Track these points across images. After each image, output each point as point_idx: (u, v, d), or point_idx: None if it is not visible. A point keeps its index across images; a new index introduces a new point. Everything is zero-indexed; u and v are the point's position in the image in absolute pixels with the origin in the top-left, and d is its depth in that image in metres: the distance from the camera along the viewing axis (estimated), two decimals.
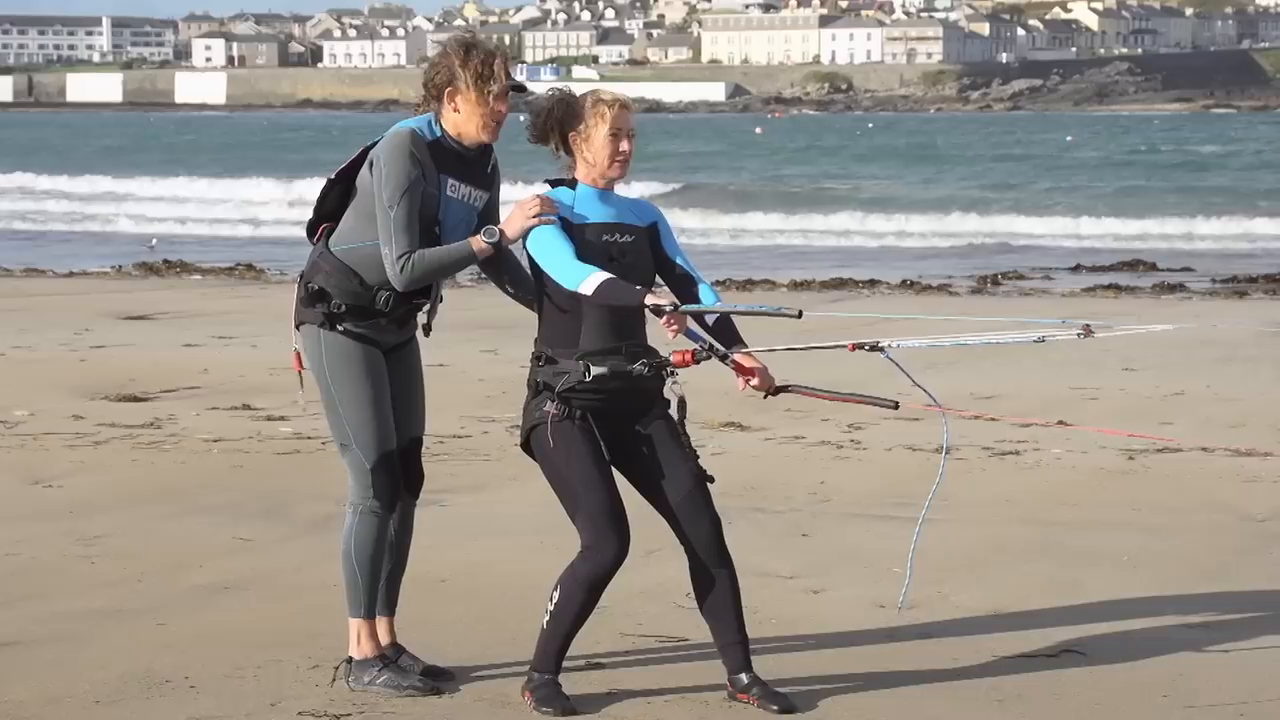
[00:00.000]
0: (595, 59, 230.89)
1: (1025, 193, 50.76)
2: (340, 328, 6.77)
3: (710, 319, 6.69)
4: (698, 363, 6.58)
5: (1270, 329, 19.98)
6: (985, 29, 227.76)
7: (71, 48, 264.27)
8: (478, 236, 6.63)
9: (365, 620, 6.91)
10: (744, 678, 6.69)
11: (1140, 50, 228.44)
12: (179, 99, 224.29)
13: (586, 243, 6.56)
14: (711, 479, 6.71)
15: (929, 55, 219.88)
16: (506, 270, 6.90)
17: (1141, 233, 38.76)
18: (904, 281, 27.50)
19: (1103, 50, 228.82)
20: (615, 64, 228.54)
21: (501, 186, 6.95)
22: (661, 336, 6.62)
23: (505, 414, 13.16)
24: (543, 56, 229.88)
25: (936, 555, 9.11)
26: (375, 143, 6.75)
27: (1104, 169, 67.98)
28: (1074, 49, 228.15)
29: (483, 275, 6.99)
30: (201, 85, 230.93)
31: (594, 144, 6.63)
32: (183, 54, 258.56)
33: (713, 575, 6.69)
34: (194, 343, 18.14)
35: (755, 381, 6.69)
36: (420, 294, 6.80)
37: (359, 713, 6.63)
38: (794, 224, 42.10)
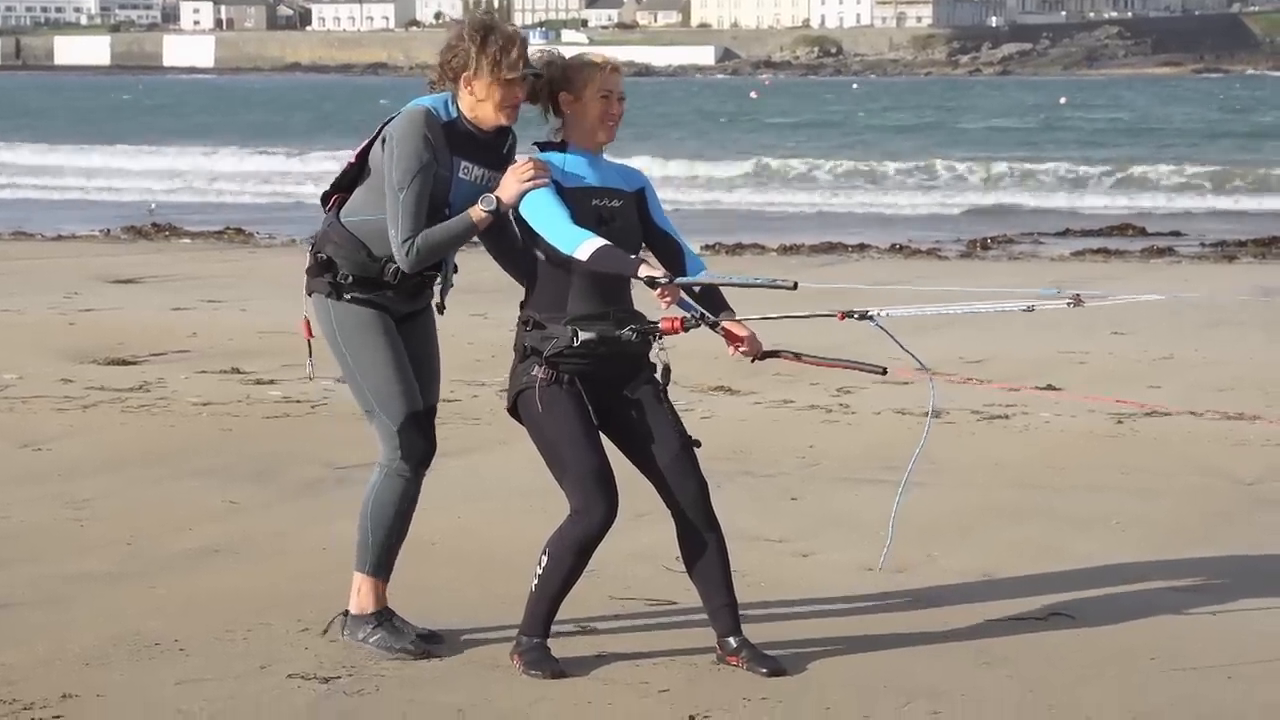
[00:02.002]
0: (584, 22, 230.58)
1: (1015, 156, 50.72)
2: (347, 296, 6.74)
3: (696, 286, 6.69)
4: (686, 330, 6.57)
5: (1258, 296, 20.00)
6: None
7: (59, 10, 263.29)
8: (476, 207, 6.58)
9: (369, 576, 6.90)
10: (733, 641, 6.71)
11: (1130, 14, 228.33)
12: (167, 62, 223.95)
13: (576, 206, 6.54)
14: (698, 443, 6.72)
15: (918, 19, 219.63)
16: (505, 242, 6.87)
17: (1131, 197, 38.69)
18: (893, 246, 27.49)
19: (1092, 14, 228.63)
20: (604, 27, 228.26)
21: None
22: (647, 301, 6.62)
23: (494, 378, 13.15)
24: (532, 20, 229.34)
25: (925, 519, 9.13)
26: (391, 118, 6.70)
27: (1094, 134, 67.92)
28: (1063, 12, 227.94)
29: (474, 240, 6.97)
30: (190, 48, 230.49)
31: (584, 106, 6.62)
32: (171, 16, 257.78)
33: (701, 539, 6.70)
34: (183, 306, 18.12)
35: (744, 348, 6.70)
36: (430, 266, 6.76)
37: (348, 675, 6.64)
38: (780, 187, 42.05)
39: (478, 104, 6.64)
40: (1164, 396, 12.68)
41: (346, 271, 6.74)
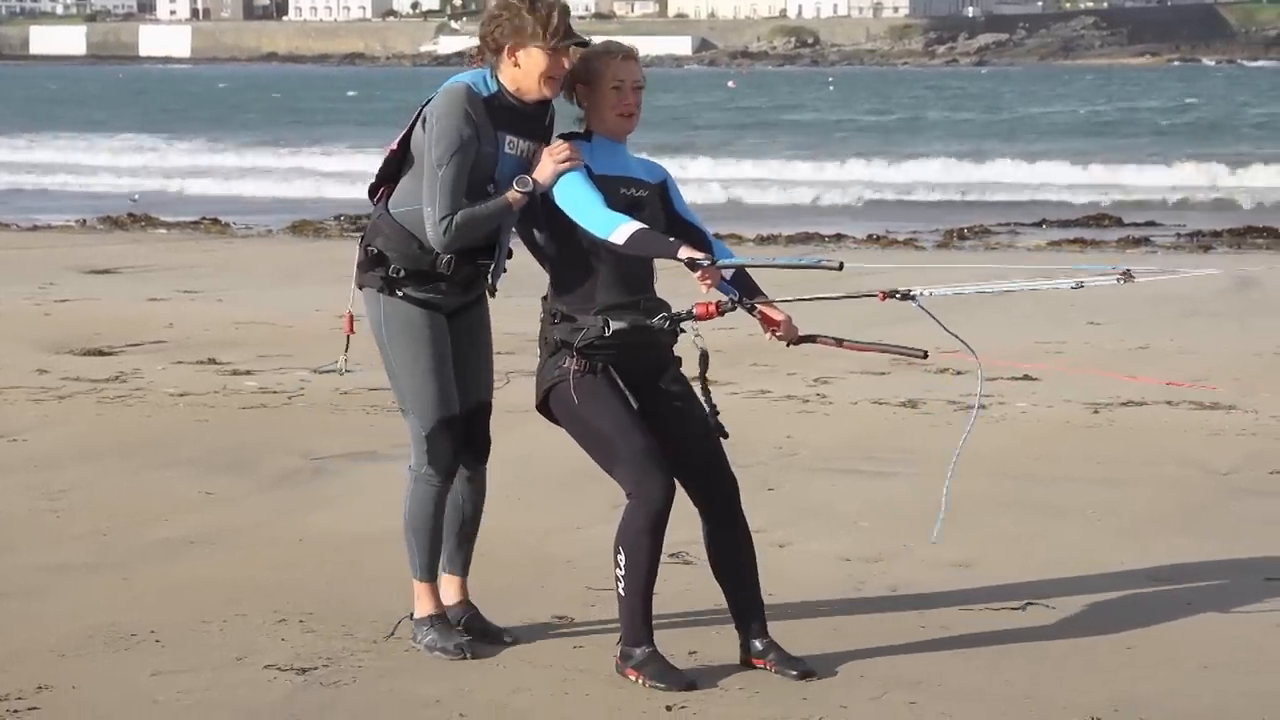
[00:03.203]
0: None
1: (988, 148, 50.79)
2: (400, 293, 6.64)
3: (728, 271, 6.57)
4: (722, 314, 6.45)
5: (1233, 287, 20.02)
6: None
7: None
8: (512, 189, 6.47)
9: (419, 582, 6.84)
10: (759, 643, 6.61)
11: (1106, 4, 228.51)
12: (143, 52, 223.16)
13: (607, 193, 6.43)
14: (726, 435, 6.62)
15: (895, 9, 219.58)
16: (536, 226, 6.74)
17: (1107, 187, 38.68)
18: (870, 236, 27.50)
19: (1068, 4, 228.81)
20: (581, 17, 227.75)
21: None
22: (672, 290, 6.53)
23: None
24: None
25: (902, 509, 9.14)
26: (430, 100, 6.60)
27: (1068, 123, 68.02)
28: (1040, 2, 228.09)
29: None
30: (166, 38, 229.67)
31: (597, 96, 6.52)
32: (147, 6, 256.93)
33: (731, 537, 6.60)
34: (159, 296, 18.07)
35: (781, 332, 6.61)
36: (484, 254, 6.66)
37: (325, 666, 6.64)
38: (750, 174, 42.06)
39: (521, 75, 6.52)
40: (1140, 387, 12.69)
41: (399, 266, 6.62)
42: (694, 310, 6.45)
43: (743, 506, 6.66)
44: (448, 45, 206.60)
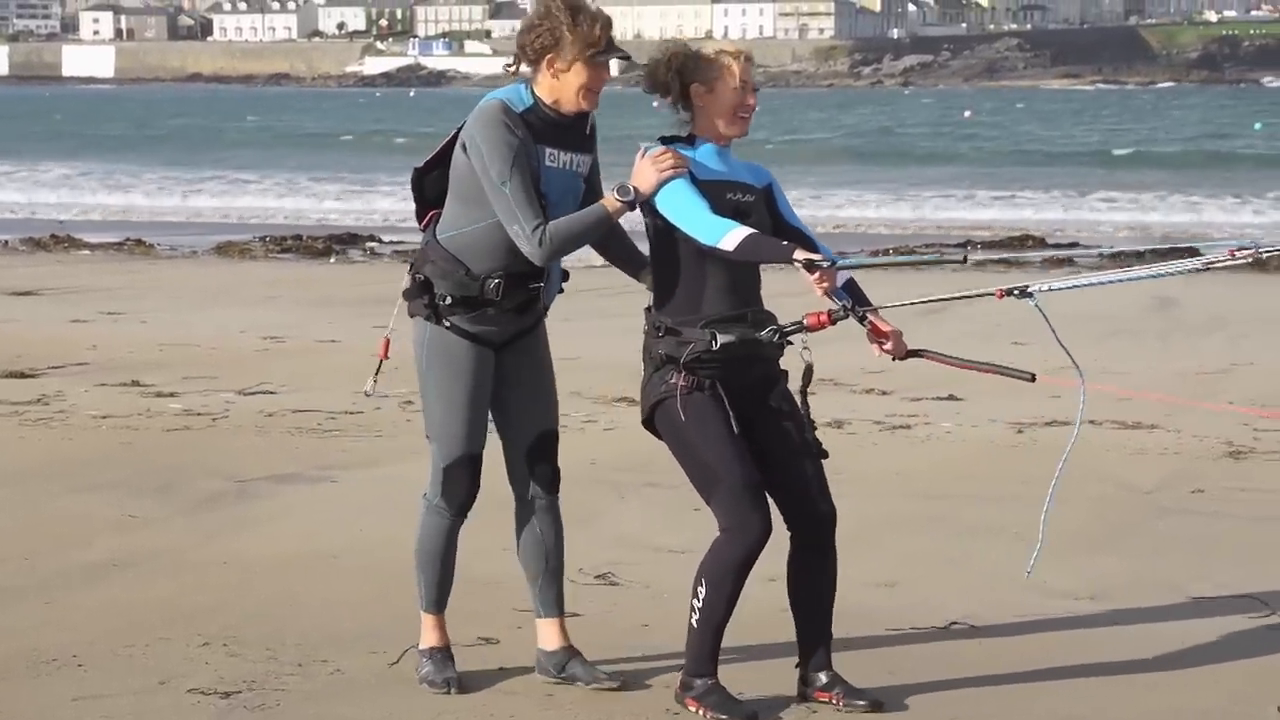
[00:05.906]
0: (488, 33, 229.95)
1: (913, 172, 51.02)
2: (447, 323, 6.50)
3: (839, 281, 6.36)
4: (834, 323, 6.25)
5: (1155, 306, 20.15)
6: (877, 4, 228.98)
7: None
8: (610, 195, 6.30)
9: (424, 613, 6.73)
10: (824, 676, 6.48)
11: (1029, 26, 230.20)
12: (66, 73, 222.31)
13: (712, 199, 6.24)
14: (826, 454, 6.44)
15: (821, 31, 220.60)
16: (615, 244, 6.64)
17: (1038, 215, 38.86)
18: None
19: (992, 26, 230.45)
20: (507, 38, 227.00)
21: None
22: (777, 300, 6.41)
23: (396, 389, 13.08)
24: (435, 31, 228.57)
25: None
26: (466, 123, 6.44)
27: (997, 150, 68.41)
28: (964, 24, 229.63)
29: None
30: (89, 59, 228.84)
31: (720, 98, 6.36)
32: (70, 27, 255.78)
33: (819, 564, 6.45)
34: (82, 318, 17.95)
35: (889, 345, 6.39)
36: (534, 278, 6.49)
37: (249, 690, 6.59)
38: None
39: (560, 86, 6.36)
40: (1063, 406, 12.74)
41: (445, 293, 6.45)
42: (804, 321, 6.25)
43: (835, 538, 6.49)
44: (373, 66, 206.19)
